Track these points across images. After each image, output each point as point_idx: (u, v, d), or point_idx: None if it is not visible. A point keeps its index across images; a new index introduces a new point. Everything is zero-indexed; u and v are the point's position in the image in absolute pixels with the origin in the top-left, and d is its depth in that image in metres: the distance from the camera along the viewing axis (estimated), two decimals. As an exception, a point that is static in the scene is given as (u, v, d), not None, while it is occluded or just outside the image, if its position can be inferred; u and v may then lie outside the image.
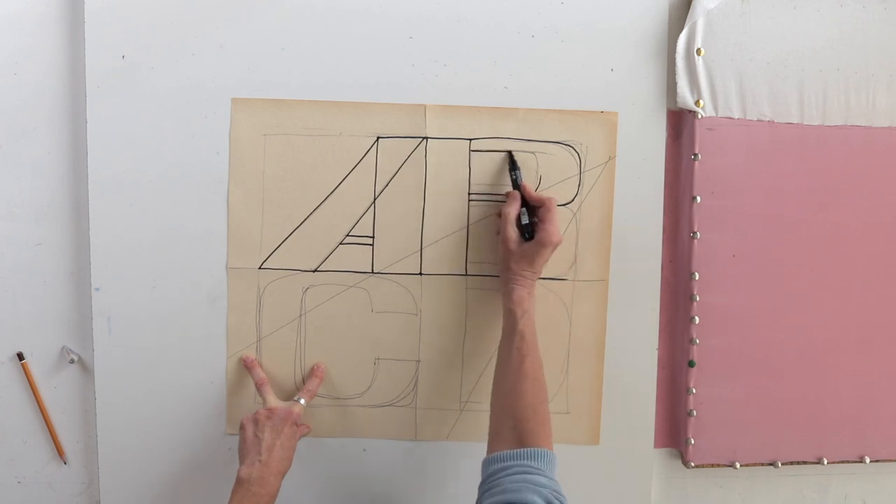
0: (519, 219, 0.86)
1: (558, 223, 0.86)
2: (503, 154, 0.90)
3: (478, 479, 0.89)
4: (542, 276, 0.92)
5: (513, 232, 0.85)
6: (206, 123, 0.89)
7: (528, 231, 0.85)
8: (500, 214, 0.89)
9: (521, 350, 0.80)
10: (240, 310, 0.92)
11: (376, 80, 0.90)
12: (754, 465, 0.96)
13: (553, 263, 0.92)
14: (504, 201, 0.89)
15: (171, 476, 0.93)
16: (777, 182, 0.93)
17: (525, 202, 0.87)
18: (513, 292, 0.84)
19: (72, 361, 0.92)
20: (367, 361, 0.93)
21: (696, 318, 0.92)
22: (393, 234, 0.91)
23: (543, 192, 0.89)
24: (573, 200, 0.92)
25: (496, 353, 0.93)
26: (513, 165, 0.89)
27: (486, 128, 0.91)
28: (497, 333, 0.91)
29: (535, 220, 0.86)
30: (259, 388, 0.89)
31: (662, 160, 0.92)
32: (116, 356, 0.91)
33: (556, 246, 0.85)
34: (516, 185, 0.88)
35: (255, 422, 0.84)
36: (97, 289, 0.90)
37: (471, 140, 0.91)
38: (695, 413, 0.93)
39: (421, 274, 0.92)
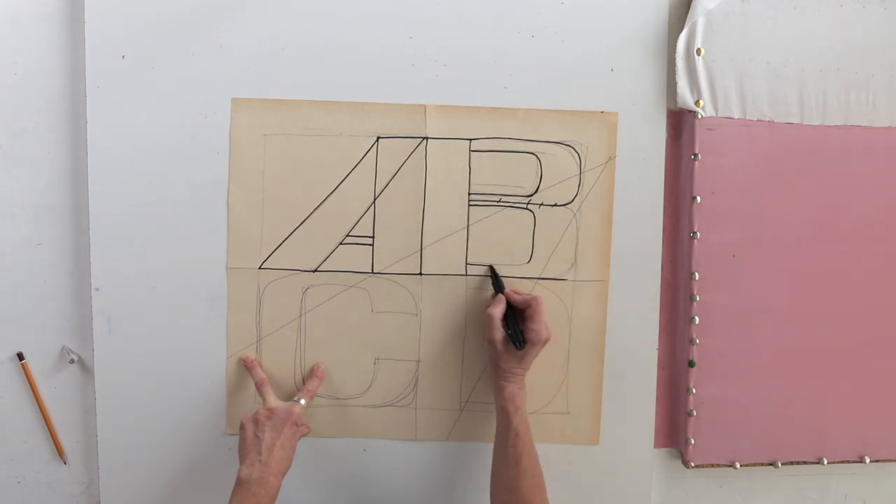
0: (506, 326, 0.86)
1: (546, 320, 0.86)
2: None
3: (478, 480, 0.89)
4: (542, 276, 0.92)
5: (499, 333, 0.86)
6: (206, 123, 0.89)
7: (518, 339, 0.85)
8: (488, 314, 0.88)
9: (516, 448, 0.83)
10: (240, 310, 0.92)
11: (376, 80, 0.90)
12: (754, 465, 0.96)
13: (553, 263, 0.92)
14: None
15: (171, 476, 0.93)
16: (777, 182, 0.93)
17: (509, 306, 0.88)
18: (504, 389, 0.85)
19: (72, 361, 0.92)
20: (367, 361, 0.93)
21: (696, 318, 0.92)
22: (393, 234, 0.91)
23: (526, 295, 0.88)
24: (573, 200, 0.92)
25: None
26: (495, 277, 0.90)
27: (486, 128, 0.91)
28: (497, 333, 0.92)
29: (521, 327, 0.86)
30: (259, 388, 0.89)
31: (662, 160, 0.92)
32: (116, 356, 0.91)
33: (545, 343, 0.86)
34: (500, 291, 0.89)
35: (256, 422, 0.84)
36: (97, 289, 0.90)
37: (471, 140, 0.91)
38: (695, 413, 0.93)
39: (421, 274, 0.92)
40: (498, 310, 0.87)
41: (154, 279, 0.91)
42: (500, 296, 0.89)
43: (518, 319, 0.87)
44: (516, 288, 0.90)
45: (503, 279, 0.90)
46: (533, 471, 0.83)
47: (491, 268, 0.91)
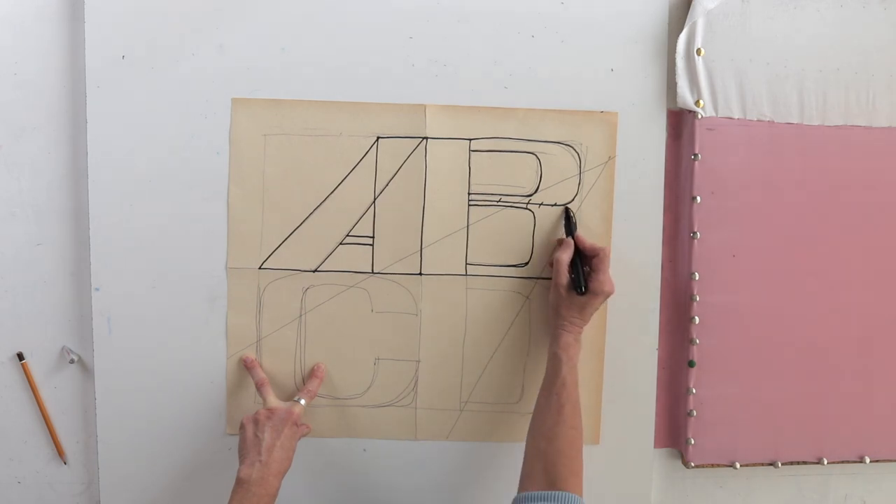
0: (571, 269, 0.86)
1: (610, 274, 0.86)
2: (560, 209, 0.91)
3: (478, 480, 0.89)
4: (542, 276, 0.92)
5: (564, 278, 0.85)
6: (206, 123, 0.89)
7: (581, 284, 0.85)
8: (551, 263, 0.88)
9: (560, 396, 0.81)
10: (240, 310, 0.92)
11: (376, 80, 0.90)
12: (754, 465, 0.96)
13: (553, 263, 0.92)
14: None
15: (171, 476, 0.93)
16: (777, 182, 0.93)
17: (577, 253, 0.87)
18: (560, 337, 0.85)
19: (72, 361, 0.92)
20: (367, 361, 0.93)
21: (696, 318, 0.92)
22: (393, 234, 0.91)
23: (588, 242, 0.88)
24: (573, 200, 0.92)
25: (496, 353, 0.93)
26: (568, 220, 0.90)
27: (486, 128, 0.91)
28: (497, 333, 0.92)
29: (587, 268, 0.86)
30: (259, 388, 0.89)
31: (662, 160, 0.92)
32: (116, 356, 0.91)
33: (608, 295, 0.86)
34: (571, 234, 0.89)
35: (256, 422, 0.84)
36: (97, 289, 0.90)
37: (471, 140, 0.91)
38: (695, 413, 0.93)
39: (421, 274, 0.92)
40: (566, 255, 0.86)
41: (154, 279, 0.91)
42: (569, 240, 0.88)
43: (584, 266, 0.87)
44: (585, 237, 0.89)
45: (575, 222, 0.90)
46: (573, 422, 0.80)
47: (566, 209, 0.90)
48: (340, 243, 0.91)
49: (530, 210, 0.92)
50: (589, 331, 0.92)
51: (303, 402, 0.88)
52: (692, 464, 0.94)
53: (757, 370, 0.94)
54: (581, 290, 0.84)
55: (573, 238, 0.88)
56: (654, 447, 0.95)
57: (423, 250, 0.92)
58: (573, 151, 0.91)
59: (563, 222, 0.91)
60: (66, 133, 0.91)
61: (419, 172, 0.91)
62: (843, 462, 0.97)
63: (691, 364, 0.93)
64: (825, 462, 0.96)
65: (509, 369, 0.93)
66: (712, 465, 0.95)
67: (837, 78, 0.92)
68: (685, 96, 0.90)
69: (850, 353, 0.95)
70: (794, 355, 0.94)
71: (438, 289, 0.92)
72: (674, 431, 0.96)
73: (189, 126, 0.89)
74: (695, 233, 0.92)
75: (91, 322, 0.91)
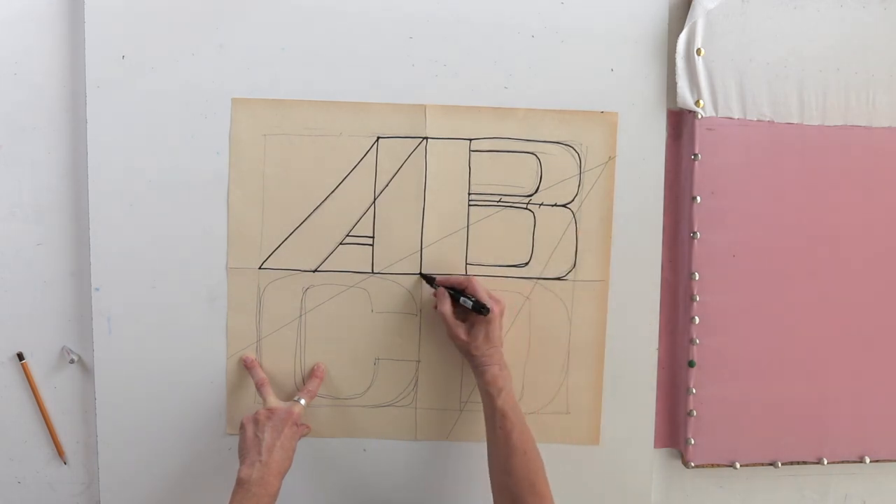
0: (458, 312, 0.87)
1: (485, 291, 0.87)
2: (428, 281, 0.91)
3: (478, 480, 0.89)
4: (542, 276, 0.92)
5: (456, 326, 0.86)
6: (206, 123, 0.89)
7: (481, 307, 0.85)
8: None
9: (504, 429, 0.82)
10: (240, 310, 0.92)
11: (376, 80, 0.90)
12: (754, 465, 0.96)
13: (553, 263, 0.92)
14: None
15: (171, 476, 0.93)
16: (777, 182, 0.93)
17: (453, 298, 0.88)
18: (484, 374, 0.85)
19: (72, 361, 0.92)
20: (367, 361, 0.93)
21: (696, 318, 0.92)
22: (393, 234, 0.91)
23: (451, 278, 0.90)
24: (573, 200, 0.92)
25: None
26: (428, 280, 0.91)
27: (486, 128, 0.91)
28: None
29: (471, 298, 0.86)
30: (259, 388, 0.89)
31: (662, 160, 0.92)
32: (116, 356, 0.91)
33: (502, 310, 0.87)
34: (433, 284, 0.90)
35: (256, 422, 0.84)
36: (97, 289, 0.90)
37: (471, 140, 0.91)
38: (695, 413, 0.93)
39: (421, 274, 0.92)
40: (446, 306, 0.87)
41: (154, 279, 0.91)
42: (441, 290, 0.88)
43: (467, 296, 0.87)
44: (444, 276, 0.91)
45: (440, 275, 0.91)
46: (524, 447, 0.81)
47: (420, 275, 0.91)
48: (340, 243, 0.91)
49: (530, 210, 0.92)
50: (589, 331, 0.92)
51: (303, 402, 0.88)
52: (692, 464, 0.94)
53: (757, 370, 0.94)
54: (485, 309, 0.84)
55: (437, 287, 0.89)
56: (654, 447, 0.95)
57: (423, 250, 0.92)
58: (573, 151, 0.91)
59: (426, 284, 0.91)
60: (66, 133, 0.91)
61: (419, 172, 0.91)
62: (843, 462, 0.97)
63: (691, 364, 0.93)
64: (825, 462, 0.96)
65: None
66: (712, 465, 0.95)
67: (837, 78, 0.92)
68: (685, 96, 0.90)
69: (850, 353, 0.95)
70: (794, 355, 0.95)
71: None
72: (674, 431, 0.96)
73: (189, 126, 0.89)
74: (695, 233, 0.92)
75: (91, 322, 0.91)
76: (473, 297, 0.86)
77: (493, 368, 0.85)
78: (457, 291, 0.88)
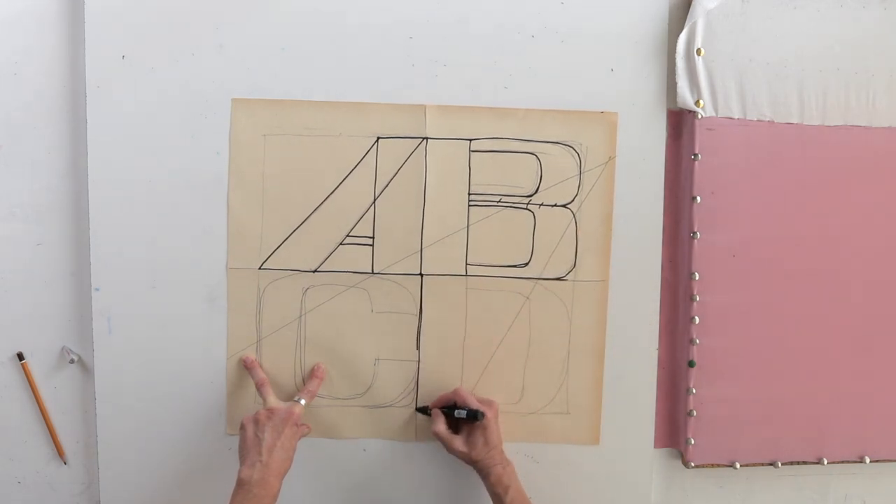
0: (455, 421, 0.89)
1: (473, 397, 0.89)
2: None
3: (477, 480, 0.89)
4: (542, 276, 0.92)
5: (455, 441, 0.87)
6: (206, 123, 0.89)
7: (475, 414, 0.87)
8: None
9: None
10: (240, 310, 0.92)
11: (376, 80, 0.90)
12: (754, 465, 0.96)
13: (553, 264, 0.92)
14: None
15: (171, 476, 0.93)
16: (777, 182, 0.93)
17: (443, 410, 0.90)
18: (489, 476, 0.86)
19: (72, 361, 0.92)
20: (367, 361, 0.93)
21: (696, 318, 0.92)
22: (393, 234, 0.91)
23: (441, 397, 0.92)
24: (573, 200, 0.92)
25: (496, 353, 0.93)
26: (422, 411, 0.92)
27: (486, 128, 0.91)
28: (497, 333, 0.91)
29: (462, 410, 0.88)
30: (259, 388, 0.89)
31: (662, 160, 0.92)
32: (116, 356, 0.91)
33: (496, 413, 0.89)
34: (427, 412, 0.91)
35: (256, 422, 0.84)
36: (97, 289, 0.90)
37: (471, 140, 0.91)
38: (695, 413, 0.93)
39: (421, 274, 0.92)
40: (441, 425, 0.88)
41: (154, 279, 0.91)
42: (435, 411, 0.90)
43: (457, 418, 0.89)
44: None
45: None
46: None
47: (417, 410, 0.93)
48: (340, 243, 0.91)
49: (530, 210, 0.92)
50: (589, 331, 0.92)
51: (303, 402, 0.88)
52: (692, 464, 0.94)
53: (757, 370, 0.94)
54: (480, 415, 0.86)
55: (430, 410, 0.91)
56: (654, 447, 0.95)
57: (423, 250, 0.92)
58: (573, 151, 0.91)
59: (422, 414, 0.93)
60: (66, 133, 0.91)
61: (419, 173, 0.91)
62: (843, 462, 0.97)
63: (691, 364, 0.93)
64: (825, 462, 0.96)
65: (509, 369, 0.93)
66: (712, 465, 0.95)
67: (837, 78, 0.92)
68: (685, 96, 0.90)
69: (850, 353, 0.95)
70: (794, 355, 0.94)
71: (438, 289, 0.92)
72: (674, 431, 0.96)
73: (189, 126, 0.89)
74: (695, 233, 0.92)
75: (91, 322, 0.91)
76: (465, 407, 0.88)
77: (497, 469, 0.86)
78: (449, 408, 0.89)
